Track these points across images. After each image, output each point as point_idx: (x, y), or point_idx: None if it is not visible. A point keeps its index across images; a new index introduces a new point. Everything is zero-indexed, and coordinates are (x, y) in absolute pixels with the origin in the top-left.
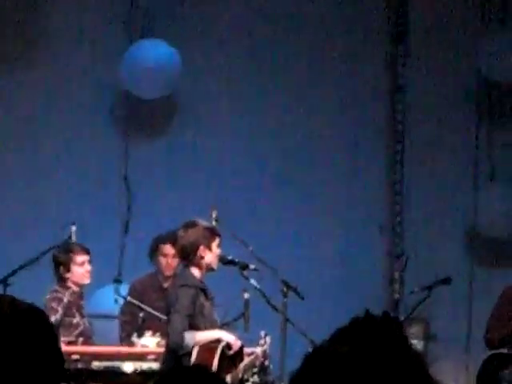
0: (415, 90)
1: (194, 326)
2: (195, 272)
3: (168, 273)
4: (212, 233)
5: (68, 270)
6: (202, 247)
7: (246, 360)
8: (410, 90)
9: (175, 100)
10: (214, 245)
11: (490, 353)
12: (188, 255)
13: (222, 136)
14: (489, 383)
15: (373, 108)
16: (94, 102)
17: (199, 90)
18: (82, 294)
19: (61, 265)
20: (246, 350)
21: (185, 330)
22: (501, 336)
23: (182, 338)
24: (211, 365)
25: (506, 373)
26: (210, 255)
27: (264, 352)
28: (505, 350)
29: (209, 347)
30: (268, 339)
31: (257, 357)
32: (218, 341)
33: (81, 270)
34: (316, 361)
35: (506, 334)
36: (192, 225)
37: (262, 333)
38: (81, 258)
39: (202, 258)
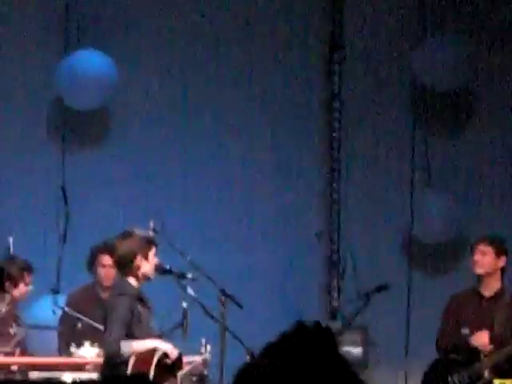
0: (351, 98)
1: (130, 335)
2: (132, 281)
3: (106, 283)
4: (148, 242)
5: (15, 286)
6: (138, 257)
7: (185, 369)
8: (346, 99)
9: (112, 111)
10: (151, 254)
11: (433, 358)
12: (125, 265)
13: (159, 147)
14: None
15: (308, 117)
16: (30, 112)
17: (135, 101)
18: (16, 303)
19: (7, 278)
20: (186, 358)
21: (121, 339)
22: (451, 343)
23: (119, 347)
24: (148, 373)
25: (455, 377)
26: (147, 265)
27: (204, 361)
28: (453, 356)
29: (145, 356)
30: (208, 347)
31: (196, 365)
32: (155, 350)
33: (26, 289)
34: (248, 375)
35: (455, 341)
36: (128, 235)
37: (203, 340)
38: (30, 277)
39: (139, 267)
